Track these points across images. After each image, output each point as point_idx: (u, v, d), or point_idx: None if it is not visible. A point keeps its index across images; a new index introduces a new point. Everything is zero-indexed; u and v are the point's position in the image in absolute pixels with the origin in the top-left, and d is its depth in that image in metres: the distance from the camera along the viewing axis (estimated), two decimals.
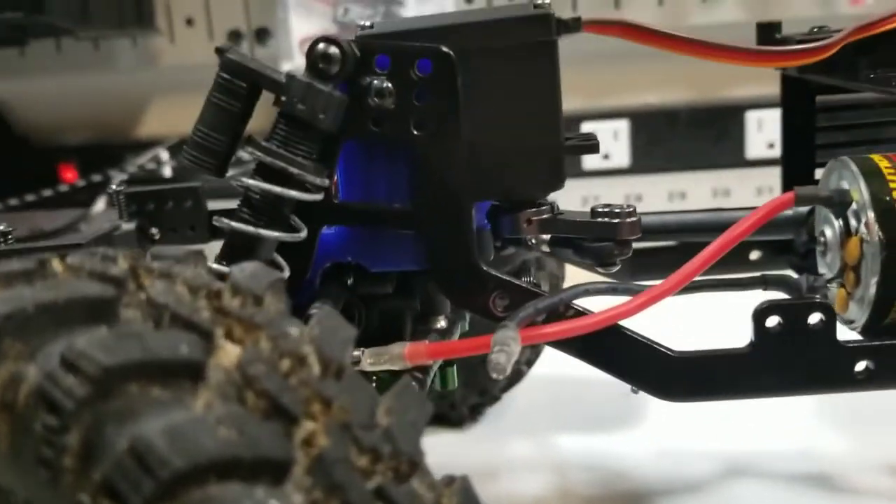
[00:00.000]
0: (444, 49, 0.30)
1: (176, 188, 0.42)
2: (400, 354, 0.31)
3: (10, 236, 0.35)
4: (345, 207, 0.32)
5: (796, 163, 0.43)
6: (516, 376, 0.55)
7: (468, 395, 0.54)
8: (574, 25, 0.32)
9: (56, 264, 0.21)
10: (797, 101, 0.43)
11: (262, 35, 0.91)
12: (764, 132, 0.90)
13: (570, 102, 0.95)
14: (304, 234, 0.29)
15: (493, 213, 0.35)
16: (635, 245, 0.46)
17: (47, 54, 0.90)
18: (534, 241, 0.35)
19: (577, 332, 0.31)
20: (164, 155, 0.89)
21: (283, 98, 0.28)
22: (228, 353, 0.19)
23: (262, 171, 0.28)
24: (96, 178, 0.87)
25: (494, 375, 0.26)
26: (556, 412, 0.56)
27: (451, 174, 0.31)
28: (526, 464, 0.52)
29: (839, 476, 0.48)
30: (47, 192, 0.86)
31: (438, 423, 0.55)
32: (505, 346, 0.26)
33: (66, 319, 0.18)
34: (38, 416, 0.16)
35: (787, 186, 0.45)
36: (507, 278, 0.32)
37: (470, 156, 0.32)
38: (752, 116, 0.90)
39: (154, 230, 0.44)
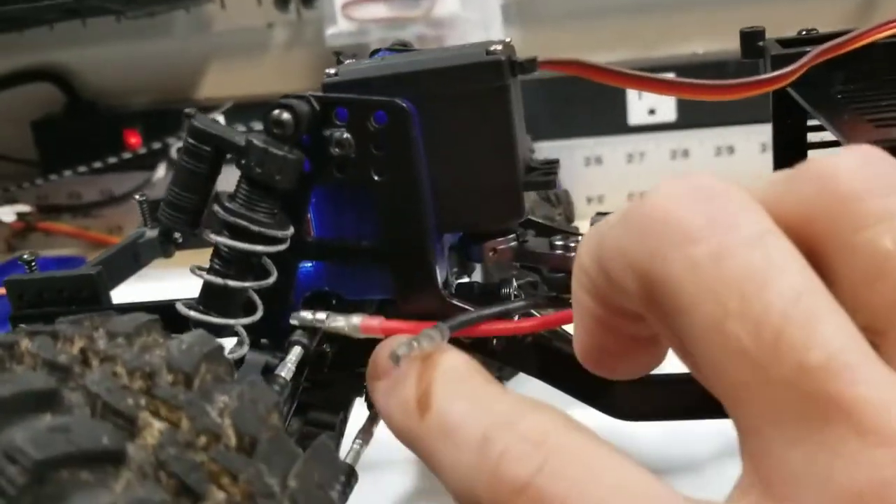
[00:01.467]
0: (398, 101, 0.32)
1: None
2: (356, 326, 0.33)
3: (33, 264, 0.39)
4: (318, 245, 0.35)
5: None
6: None
7: None
8: (529, 66, 0.34)
9: (24, 344, 0.25)
10: (786, 113, 0.43)
11: None
12: None
13: (619, 55, 0.96)
14: (272, 279, 0.33)
15: (462, 240, 0.37)
16: None
17: (107, 24, 0.94)
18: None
19: (513, 331, 0.33)
20: (221, 120, 0.93)
21: (243, 161, 0.31)
22: (153, 431, 0.22)
23: (228, 227, 0.31)
24: (156, 145, 0.92)
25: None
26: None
27: (412, 215, 0.34)
28: None
29: None
30: (112, 160, 0.92)
31: None
32: (415, 340, 0.26)
33: (19, 409, 0.22)
34: None
35: None
36: (468, 308, 0.35)
37: (433, 193, 0.34)
38: None
39: (177, 235, 0.48)
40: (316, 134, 0.33)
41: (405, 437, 0.24)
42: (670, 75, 0.32)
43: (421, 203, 0.34)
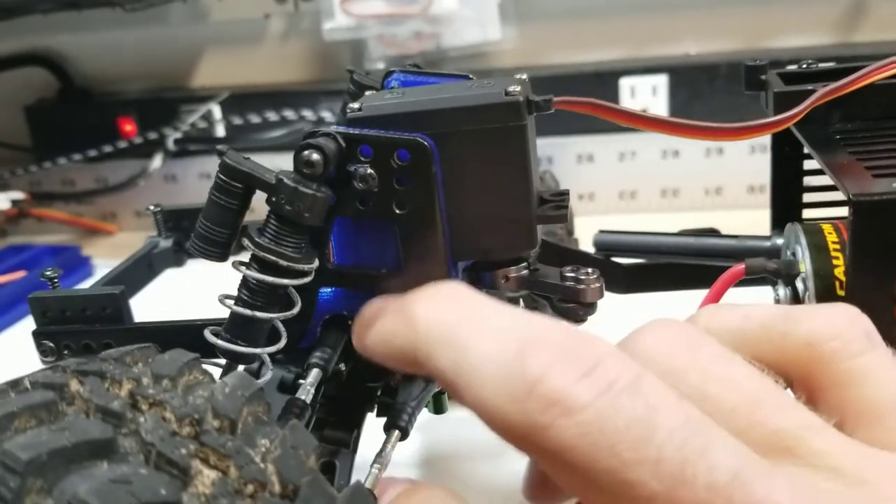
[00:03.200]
0: (420, 140, 0.34)
1: None
2: None
3: (56, 280, 0.40)
4: (339, 271, 0.36)
5: (785, 202, 0.46)
6: None
7: None
8: (545, 105, 0.35)
9: (74, 385, 0.26)
10: (783, 143, 0.45)
11: None
12: None
13: (611, 54, 0.97)
14: (297, 309, 0.34)
15: (475, 266, 0.39)
16: (629, 260, 0.50)
17: (103, 10, 0.94)
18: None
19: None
20: (217, 111, 0.94)
21: (273, 198, 0.32)
22: (205, 479, 0.24)
23: (257, 261, 0.32)
24: (153, 135, 0.92)
25: None
26: None
27: (430, 246, 0.35)
28: None
29: None
30: (107, 149, 0.92)
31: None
32: None
33: (75, 458, 0.23)
34: None
35: (775, 217, 0.47)
36: None
37: (450, 223, 0.35)
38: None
39: (188, 245, 0.49)
40: (340, 168, 0.34)
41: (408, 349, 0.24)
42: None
43: (440, 235, 0.35)
